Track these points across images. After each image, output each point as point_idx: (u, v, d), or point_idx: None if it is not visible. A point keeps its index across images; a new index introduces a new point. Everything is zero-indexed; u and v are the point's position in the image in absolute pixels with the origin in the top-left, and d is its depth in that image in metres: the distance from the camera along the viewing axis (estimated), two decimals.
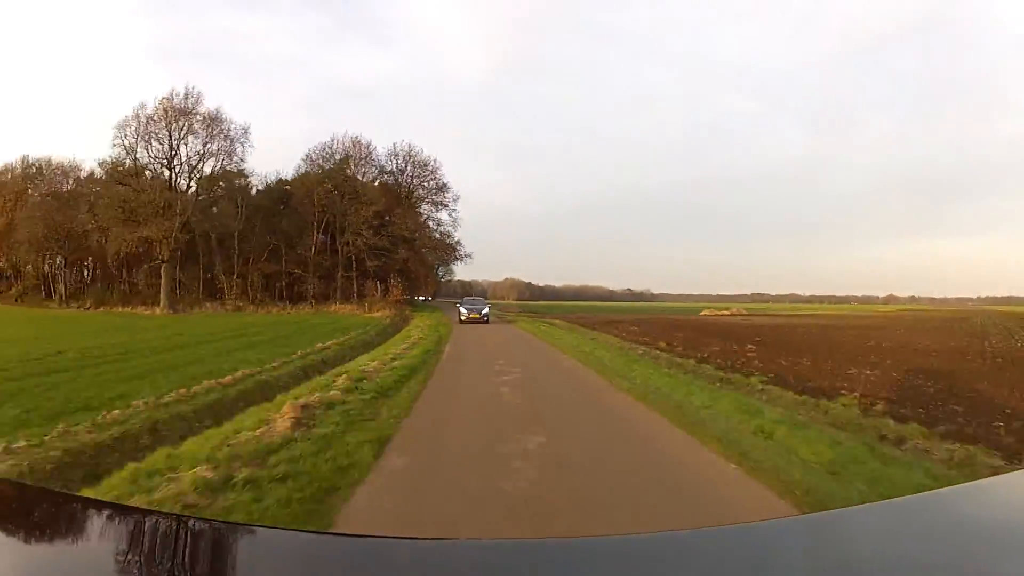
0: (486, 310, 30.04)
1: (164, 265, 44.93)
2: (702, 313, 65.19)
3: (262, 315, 40.01)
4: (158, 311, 42.41)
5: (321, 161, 50.20)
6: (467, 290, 67.96)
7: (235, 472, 4.29)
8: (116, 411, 6.97)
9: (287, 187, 50.00)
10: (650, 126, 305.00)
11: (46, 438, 5.66)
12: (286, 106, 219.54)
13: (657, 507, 4.07)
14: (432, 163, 52.90)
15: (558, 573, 0.80)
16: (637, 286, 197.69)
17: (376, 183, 50.74)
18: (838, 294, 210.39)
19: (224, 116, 45.85)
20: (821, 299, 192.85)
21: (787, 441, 5.64)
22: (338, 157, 49.99)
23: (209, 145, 45.74)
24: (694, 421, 6.72)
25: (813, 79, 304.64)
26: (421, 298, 54.66)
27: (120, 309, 44.15)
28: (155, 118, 44.75)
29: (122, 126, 44.66)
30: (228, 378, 9.83)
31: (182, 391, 8.46)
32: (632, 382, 9.93)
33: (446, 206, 53.09)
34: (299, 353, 14.45)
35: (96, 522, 0.95)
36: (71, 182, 52.73)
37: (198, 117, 45.32)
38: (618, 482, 4.61)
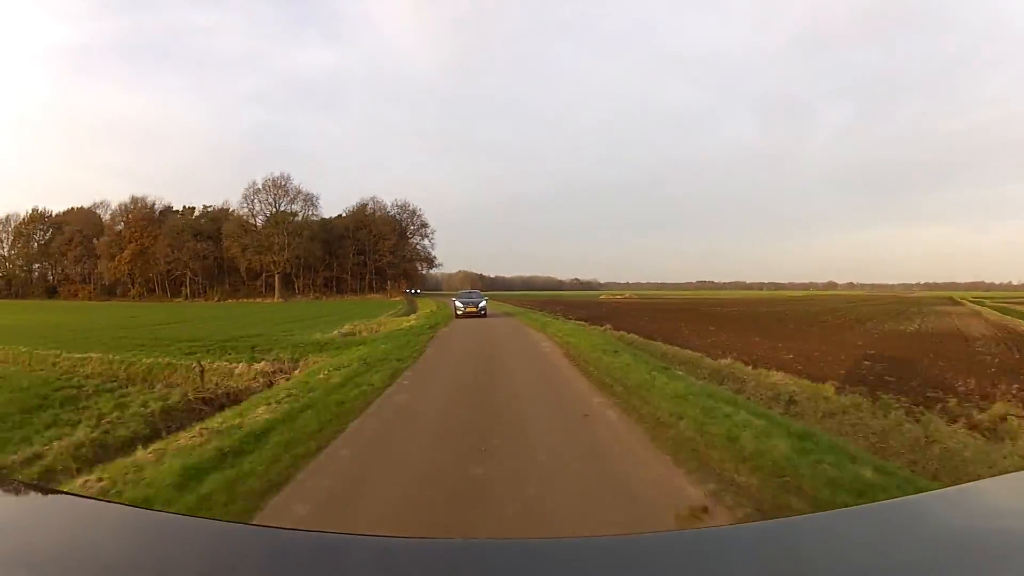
0: (483, 303, 30.01)
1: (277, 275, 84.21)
2: (601, 297, 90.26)
3: (333, 302, 68.05)
4: (274, 300, 77.51)
5: (354, 210, 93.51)
6: (425, 283, 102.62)
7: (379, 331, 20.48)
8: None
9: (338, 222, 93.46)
10: (603, 118, 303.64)
11: (339, 329, 21.68)
12: (242, 99, 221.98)
13: (522, 355, 13.07)
14: (418, 210, 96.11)
15: (558, 573, 0.82)
16: (584, 276, 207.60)
17: (389, 217, 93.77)
18: (782, 281, 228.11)
19: (302, 186, 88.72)
20: (763, 286, 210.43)
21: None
22: (368, 208, 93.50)
23: (293, 205, 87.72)
24: (565, 339, 15.81)
25: (767, 71, 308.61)
26: (411, 290, 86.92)
27: (244, 300, 76.22)
28: (264, 188, 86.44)
29: (247, 195, 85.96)
30: (356, 323, 25.42)
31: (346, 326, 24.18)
32: (543, 326, 23.11)
33: (427, 236, 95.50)
34: (383, 315, 30.79)
35: (96, 522, 0.97)
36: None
37: (290, 188, 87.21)
38: (518, 352, 13.77)
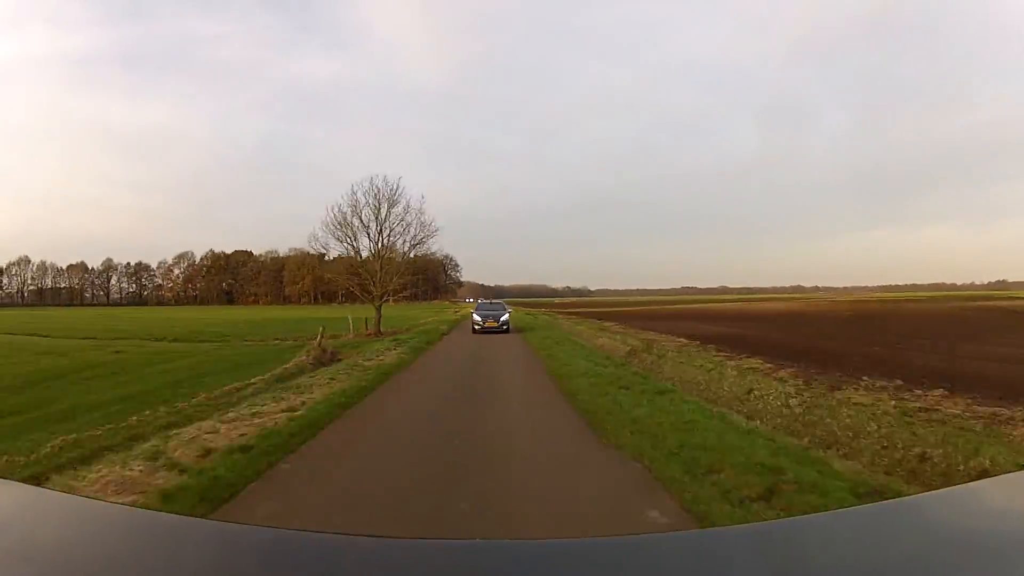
0: (505, 316, 26.14)
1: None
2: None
3: (422, 305, 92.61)
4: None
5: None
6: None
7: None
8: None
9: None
10: (605, 127, 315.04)
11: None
12: (248, 108, 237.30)
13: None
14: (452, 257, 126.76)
15: (558, 574, 0.82)
16: (575, 283, 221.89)
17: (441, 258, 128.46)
18: (765, 285, 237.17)
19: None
20: (752, 291, 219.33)
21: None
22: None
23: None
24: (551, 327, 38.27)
25: (768, 78, 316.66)
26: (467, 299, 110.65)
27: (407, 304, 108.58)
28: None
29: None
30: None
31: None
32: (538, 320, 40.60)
33: (457, 270, 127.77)
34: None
35: (96, 522, 0.97)
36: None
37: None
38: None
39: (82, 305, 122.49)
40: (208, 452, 5.78)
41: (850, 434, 6.68)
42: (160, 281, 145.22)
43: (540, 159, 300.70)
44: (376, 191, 28.85)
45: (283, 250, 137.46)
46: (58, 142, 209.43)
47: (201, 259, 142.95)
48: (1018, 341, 17.83)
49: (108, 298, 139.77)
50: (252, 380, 11.46)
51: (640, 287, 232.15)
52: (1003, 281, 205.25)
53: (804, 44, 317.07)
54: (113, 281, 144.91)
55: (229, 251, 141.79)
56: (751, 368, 11.27)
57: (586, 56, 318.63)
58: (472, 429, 7.15)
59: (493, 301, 30.97)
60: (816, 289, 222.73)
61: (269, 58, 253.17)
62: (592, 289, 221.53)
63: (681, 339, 18.77)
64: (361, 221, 28.90)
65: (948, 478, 5.22)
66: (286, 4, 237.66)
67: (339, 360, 15.48)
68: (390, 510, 4.37)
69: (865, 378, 9.74)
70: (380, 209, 28.83)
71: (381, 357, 15.70)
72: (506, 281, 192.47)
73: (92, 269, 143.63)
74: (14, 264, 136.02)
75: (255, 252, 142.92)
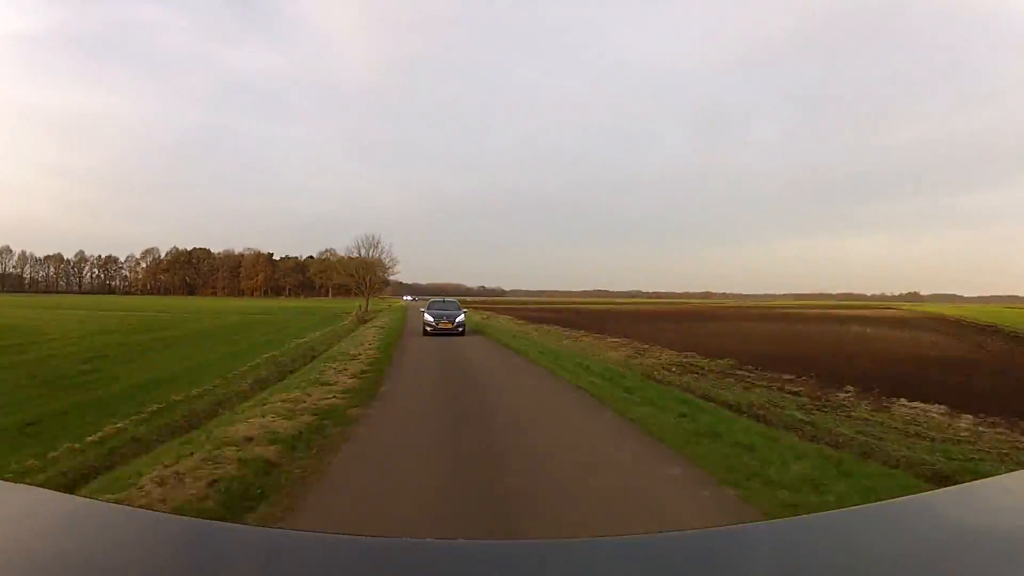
0: (461, 316, 23.17)
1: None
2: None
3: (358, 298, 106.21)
4: (330, 297, 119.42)
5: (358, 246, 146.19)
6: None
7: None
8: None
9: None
10: (534, 129, 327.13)
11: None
12: (178, 98, 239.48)
13: None
14: (387, 248, 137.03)
15: (558, 574, 0.82)
16: (490, 283, 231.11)
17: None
18: (676, 291, 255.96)
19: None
20: (663, 295, 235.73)
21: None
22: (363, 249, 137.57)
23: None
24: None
25: (706, 85, 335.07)
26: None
27: (316, 297, 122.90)
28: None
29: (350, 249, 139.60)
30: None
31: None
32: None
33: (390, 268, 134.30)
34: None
35: (96, 523, 0.98)
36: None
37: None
38: None
39: (57, 293, 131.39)
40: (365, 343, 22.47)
41: (571, 346, 23.60)
42: (127, 273, 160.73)
43: (468, 160, 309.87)
44: (367, 239, 50.66)
45: (238, 248, 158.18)
46: None
47: (166, 254, 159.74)
48: (723, 328, 36.14)
49: (80, 287, 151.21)
50: (340, 323, 27.83)
51: (552, 288, 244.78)
52: (915, 293, 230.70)
53: (744, 53, 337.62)
54: (84, 271, 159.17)
55: (156, 243, 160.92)
56: (571, 336, 28.53)
57: (523, 58, 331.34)
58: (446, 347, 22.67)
59: (446, 299, 26.82)
60: (724, 295, 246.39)
61: (207, 48, 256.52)
62: (506, 290, 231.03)
63: (551, 325, 35.64)
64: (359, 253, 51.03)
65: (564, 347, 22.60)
66: None
67: (367, 321, 31.97)
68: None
69: (607, 335, 26.88)
70: (370, 249, 50.44)
71: (386, 318, 32.38)
72: (423, 279, 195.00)
73: (67, 260, 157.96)
74: None
75: (185, 244, 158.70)
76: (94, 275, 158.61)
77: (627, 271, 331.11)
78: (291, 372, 13.69)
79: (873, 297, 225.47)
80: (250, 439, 5.89)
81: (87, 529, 0.93)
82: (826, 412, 9.35)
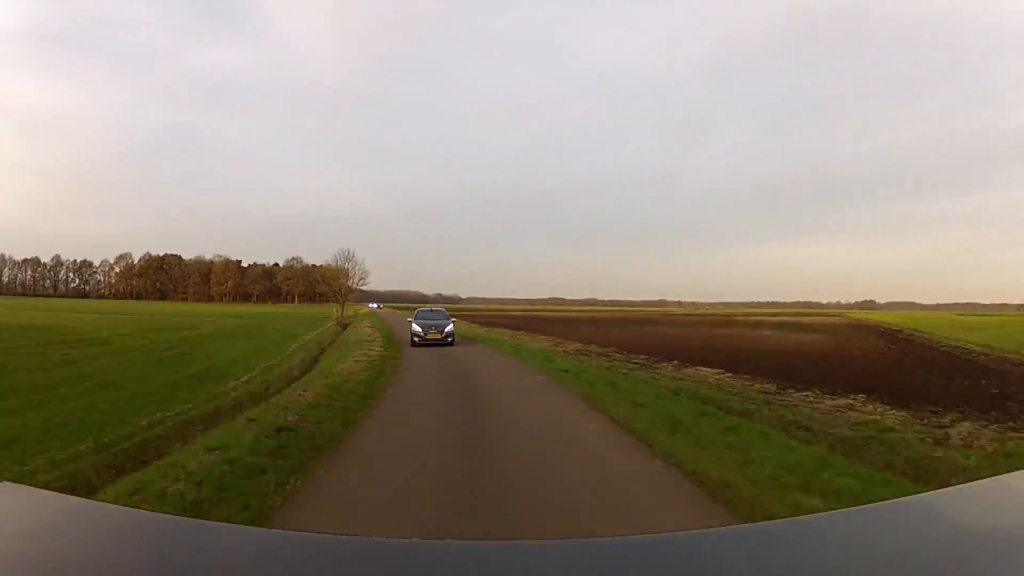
0: (450, 326, 22.12)
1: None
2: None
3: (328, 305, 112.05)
4: (296, 304, 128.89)
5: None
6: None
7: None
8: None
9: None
10: (497, 132, 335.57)
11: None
12: (151, 97, 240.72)
13: None
14: (361, 261, 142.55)
15: (557, 575, 0.83)
16: (447, 291, 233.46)
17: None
18: (634, 299, 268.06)
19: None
20: (619, 303, 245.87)
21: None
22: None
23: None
24: None
25: (673, 90, 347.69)
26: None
27: (281, 304, 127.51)
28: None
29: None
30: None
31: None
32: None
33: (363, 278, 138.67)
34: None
35: (96, 523, 0.99)
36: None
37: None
38: None
39: (35, 296, 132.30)
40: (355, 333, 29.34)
41: (511, 340, 31.31)
42: (101, 277, 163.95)
43: (431, 164, 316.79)
44: (343, 253, 56.85)
45: (208, 253, 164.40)
46: None
47: (139, 259, 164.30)
48: (626, 331, 43.88)
49: (56, 291, 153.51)
50: (324, 326, 34.50)
51: (509, 296, 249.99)
52: (871, 301, 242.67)
53: (709, 59, 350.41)
54: (60, 275, 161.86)
55: (128, 245, 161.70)
56: (513, 335, 35.90)
57: (485, 60, 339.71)
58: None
59: (433, 308, 27.09)
60: (678, 303, 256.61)
61: (177, 45, 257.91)
62: (463, 297, 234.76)
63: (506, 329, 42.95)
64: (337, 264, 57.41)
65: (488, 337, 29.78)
66: None
67: (347, 326, 38.53)
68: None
69: (539, 335, 34.36)
70: (345, 261, 56.43)
71: (366, 322, 38.82)
72: (382, 287, 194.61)
73: (44, 264, 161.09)
74: None
75: (156, 246, 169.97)
76: (69, 279, 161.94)
77: (585, 279, 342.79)
78: (320, 355, 20.50)
79: (829, 305, 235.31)
80: (341, 375, 12.81)
81: (85, 529, 0.94)
82: (644, 370, 16.67)
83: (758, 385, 14.59)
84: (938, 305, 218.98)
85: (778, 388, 14.27)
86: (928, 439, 9.32)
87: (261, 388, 13.83)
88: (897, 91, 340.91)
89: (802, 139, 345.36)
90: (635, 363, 19.00)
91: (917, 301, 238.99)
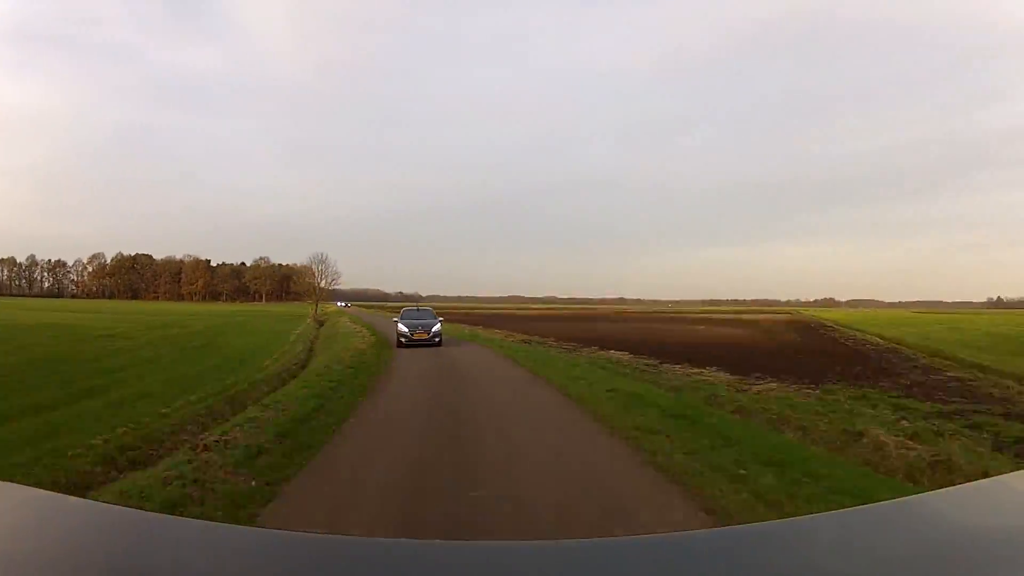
0: (437, 326, 21.75)
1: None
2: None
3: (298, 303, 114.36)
4: (264, 303, 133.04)
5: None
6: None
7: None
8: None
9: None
10: (461, 135, 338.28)
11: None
12: (110, 94, 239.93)
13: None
14: (334, 264, 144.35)
15: (558, 574, 0.83)
16: (408, 289, 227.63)
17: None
18: (593, 297, 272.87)
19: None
20: (577, 301, 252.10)
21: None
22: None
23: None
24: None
25: (640, 92, 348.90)
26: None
27: (251, 303, 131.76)
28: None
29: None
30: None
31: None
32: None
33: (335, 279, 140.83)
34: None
35: (96, 523, 1.00)
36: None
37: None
38: None
39: (11, 296, 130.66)
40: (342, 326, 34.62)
41: (468, 332, 36.87)
42: (74, 277, 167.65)
43: (391, 165, 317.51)
44: (318, 256, 65.24)
45: (178, 252, 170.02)
46: None
47: (112, 259, 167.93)
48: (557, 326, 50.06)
49: (30, 290, 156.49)
50: (304, 323, 39.56)
51: (469, 294, 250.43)
52: (830, 299, 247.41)
53: (670, 63, 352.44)
54: (35, 275, 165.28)
55: (98, 244, 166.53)
56: (469, 329, 41.52)
57: (444, 62, 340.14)
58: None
59: (420, 307, 26.60)
60: (638, 301, 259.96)
61: (143, 43, 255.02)
62: (423, 295, 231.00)
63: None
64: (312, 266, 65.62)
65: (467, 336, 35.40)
66: None
67: (323, 323, 43.58)
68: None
69: (494, 328, 39.99)
70: (320, 264, 64.49)
71: (341, 318, 43.95)
72: (344, 285, 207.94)
73: (20, 264, 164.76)
74: None
75: (127, 245, 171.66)
76: (43, 278, 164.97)
77: (544, 277, 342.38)
78: (314, 345, 25.72)
79: (788, 303, 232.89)
80: (336, 361, 18.17)
81: (82, 529, 0.95)
82: (568, 353, 22.37)
83: (645, 361, 20.31)
84: (900, 303, 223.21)
85: (658, 363, 19.97)
86: (731, 388, 15.16)
87: (290, 365, 18.99)
88: (867, 91, 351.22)
89: (761, 141, 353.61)
90: (564, 348, 24.78)
91: (879, 299, 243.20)
